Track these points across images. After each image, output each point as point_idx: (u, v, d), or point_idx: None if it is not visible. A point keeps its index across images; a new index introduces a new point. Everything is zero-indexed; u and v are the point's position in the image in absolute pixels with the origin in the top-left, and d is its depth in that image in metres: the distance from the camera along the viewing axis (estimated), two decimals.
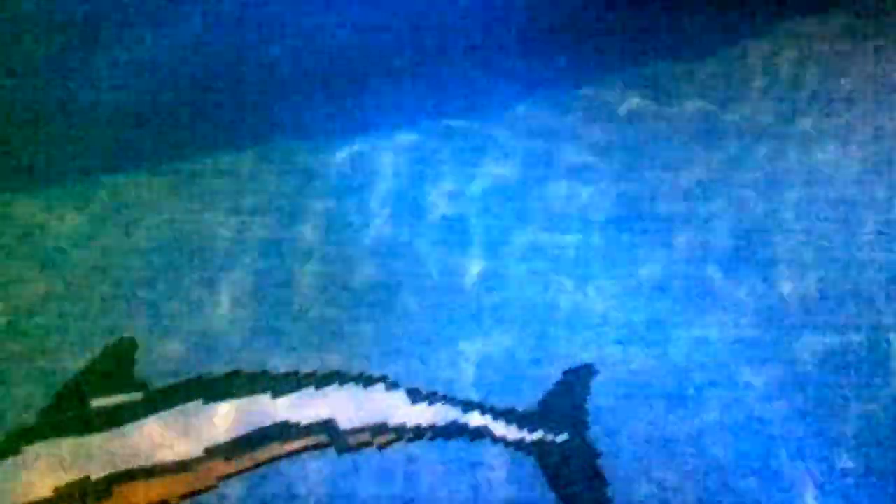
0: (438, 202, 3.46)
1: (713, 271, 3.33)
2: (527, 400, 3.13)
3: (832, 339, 3.21)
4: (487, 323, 3.23)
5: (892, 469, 2.99)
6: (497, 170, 3.51)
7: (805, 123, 3.52)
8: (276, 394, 3.07)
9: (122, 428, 2.98)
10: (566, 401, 3.14)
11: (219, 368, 3.10)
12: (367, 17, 3.72)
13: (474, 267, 3.33)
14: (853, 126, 3.54)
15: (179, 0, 3.70)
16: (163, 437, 2.97)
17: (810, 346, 3.20)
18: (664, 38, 3.67)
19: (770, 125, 3.57)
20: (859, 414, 3.09)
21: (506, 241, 3.38)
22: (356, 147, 3.53)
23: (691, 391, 3.14)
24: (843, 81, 3.56)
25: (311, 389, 3.09)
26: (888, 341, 3.19)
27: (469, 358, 3.18)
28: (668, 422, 3.09)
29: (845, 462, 3.02)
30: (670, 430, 3.07)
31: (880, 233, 3.37)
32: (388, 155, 3.52)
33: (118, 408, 3.01)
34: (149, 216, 3.37)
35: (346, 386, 3.10)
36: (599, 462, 3.03)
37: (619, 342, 3.20)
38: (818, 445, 3.04)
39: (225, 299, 3.23)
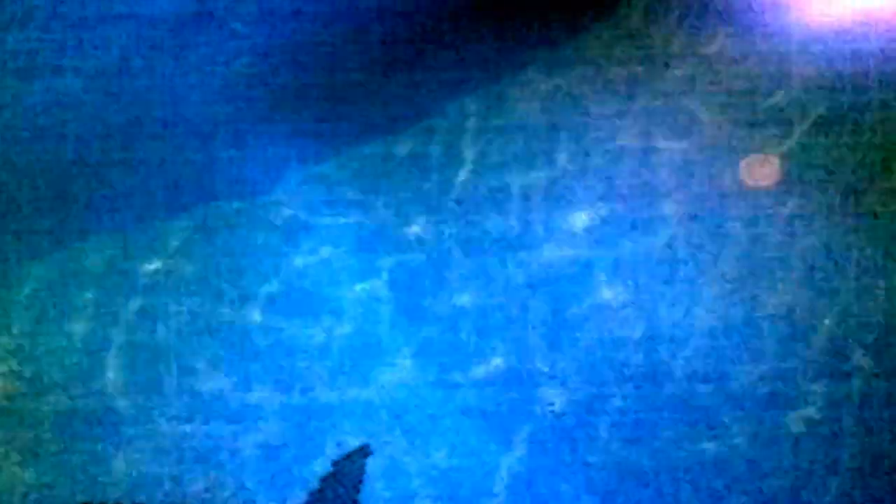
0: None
1: (467, 336, 3.34)
2: (296, 497, 3.14)
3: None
4: (243, 423, 3.20)
5: None
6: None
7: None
8: None
9: None
10: (338, 492, 3.14)
11: None
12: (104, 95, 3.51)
13: (222, 368, 3.27)
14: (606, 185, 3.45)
15: None
16: None
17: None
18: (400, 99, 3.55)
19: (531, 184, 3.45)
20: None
21: (260, 331, 3.31)
22: (121, 236, 3.34)
23: (444, 465, 3.23)
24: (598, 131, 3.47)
25: None
26: None
27: (227, 462, 3.17)
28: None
29: None
30: None
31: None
32: (153, 245, 3.33)
33: None
34: None
35: None
36: None
37: (388, 428, 3.24)
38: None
39: None
